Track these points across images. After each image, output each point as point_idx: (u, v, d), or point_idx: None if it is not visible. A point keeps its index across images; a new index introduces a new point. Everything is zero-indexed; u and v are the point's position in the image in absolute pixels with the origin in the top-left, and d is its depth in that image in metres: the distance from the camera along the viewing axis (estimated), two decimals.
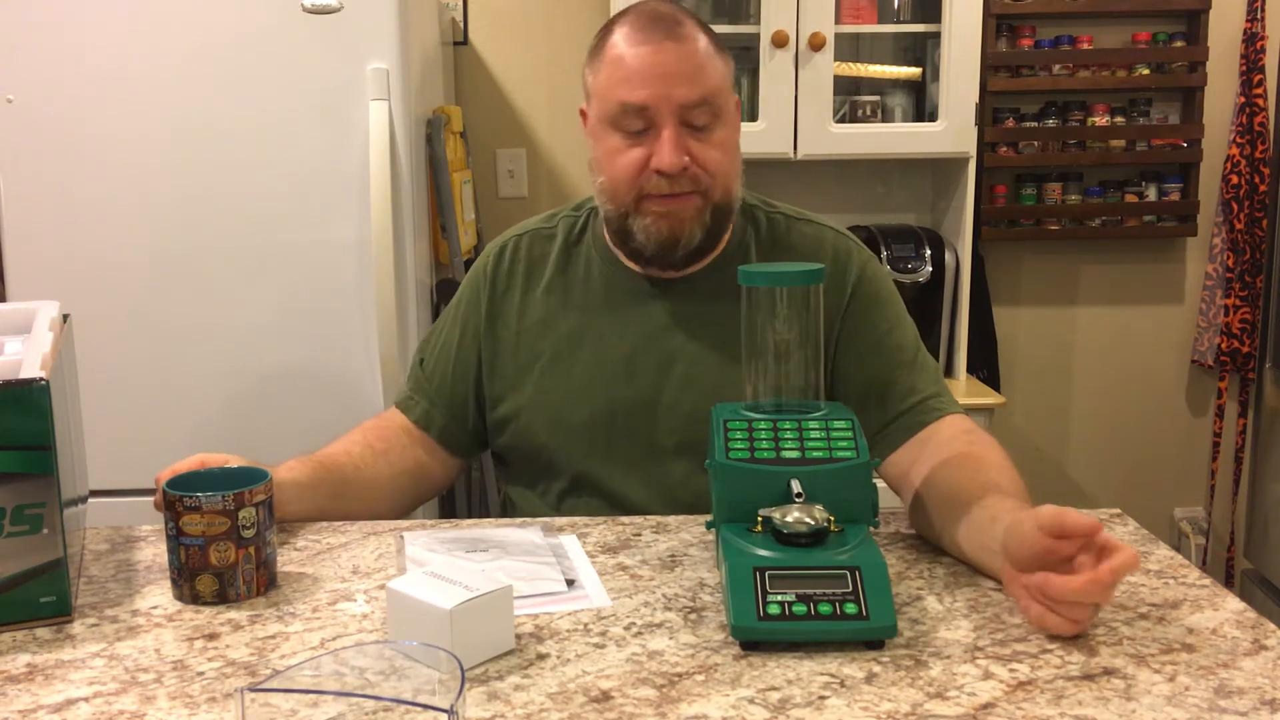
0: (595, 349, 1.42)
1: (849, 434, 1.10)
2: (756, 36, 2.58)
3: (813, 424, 1.11)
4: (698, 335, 1.40)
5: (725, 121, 1.36)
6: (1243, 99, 2.89)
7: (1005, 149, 2.88)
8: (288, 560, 1.19)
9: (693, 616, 1.04)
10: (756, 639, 0.96)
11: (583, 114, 1.42)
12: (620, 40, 1.33)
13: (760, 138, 2.60)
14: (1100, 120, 2.89)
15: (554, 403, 1.41)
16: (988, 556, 1.09)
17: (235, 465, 1.19)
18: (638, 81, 1.31)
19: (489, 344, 1.46)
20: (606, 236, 1.45)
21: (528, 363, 1.44)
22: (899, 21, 2.76)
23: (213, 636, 1.01)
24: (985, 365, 2.94)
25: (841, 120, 2.71)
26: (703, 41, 1.34)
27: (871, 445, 1.37)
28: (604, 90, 1.34)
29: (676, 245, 1.36)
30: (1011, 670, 0.93)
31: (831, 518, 1.02)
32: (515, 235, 1.51)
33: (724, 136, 1.35)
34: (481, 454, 1.55)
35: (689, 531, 1.26)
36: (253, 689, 0.80)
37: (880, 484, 1.10)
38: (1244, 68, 2.89)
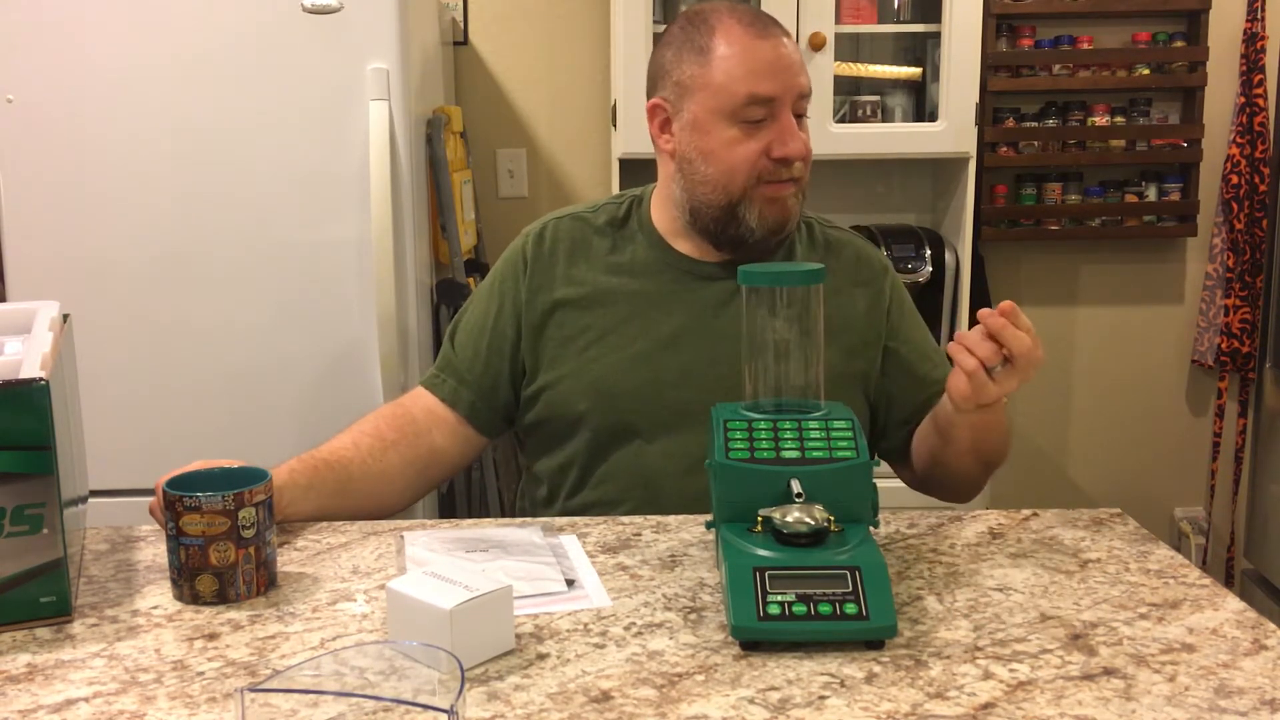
0: (644, 325, 1.45)
1: (849, 434, 1.10)
2: None
3: (813, 424, 1.11)
4: (739, 318, 1.42)
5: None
6: (1243, 99, 2.89)
7: (1005, 149, 2.88)
8: (288, 560, 1.19)
9: (693, 616, 1.03)
10: (756, 639, 0.96)
11: (660, 107, 1.43)
12: (735, 35, 1.37)
13: None
14: (1100, 120, 2.89)
15: (598, 373, 1.44)
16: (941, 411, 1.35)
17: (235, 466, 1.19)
18: (767, 73, 1.36)
19: (530, 317, 1.48)
20: (654, 220, 1.49)
21: (573, 335, 1.46)
22: (899, 21, 2.76)
23: (213, 636, 1.01)
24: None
25: (842, 120, 2.71)
26: None
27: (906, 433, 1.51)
28: (725, 83, 1.36)
29: (783, 228, 1.43)
30: (1011, 670, 0.93)
31: (831, 518, 1.02)
32: (554, 218, 1.53)
33: (808, 127, 1.44)
34: (505, 433, 1.57)
35: (689, 531, 1.26)
36: (253, 689, 0.81)
37: (880, 484, 1.10)
38: (1244, 68, 2.89)
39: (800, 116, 1.41)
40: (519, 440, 1.60)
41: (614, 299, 1.46)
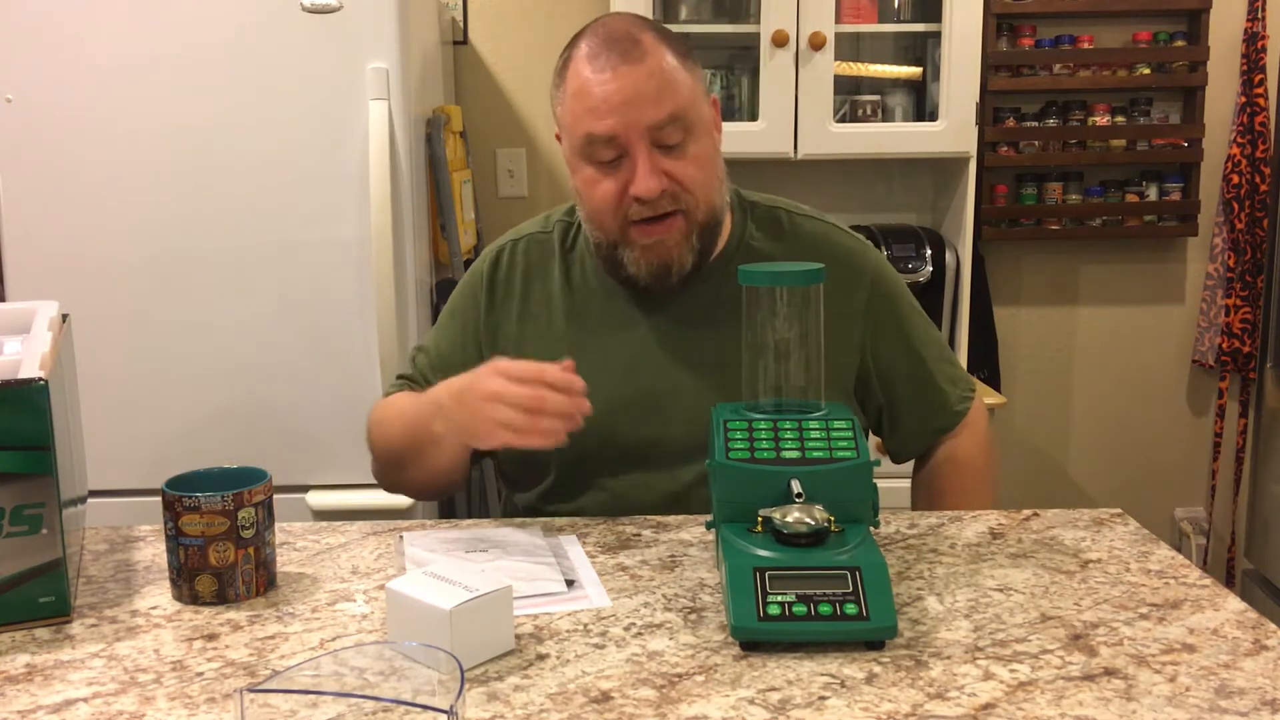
0: (598, 355, 1.39)
1: (849, 434, 1.10)
2: (756, 36, 2.57)
3: (813, 424, 1.11)
4: (700, 338, 1.39)
5: (699, 134, 1.32)
6: (1243, 99, 2.89)
7: (1006, 148, 2.88)
8: (287, 560, 1.19)
9: (693, 617, 1.03)
10: (756, 639, 0.96)
11: (559, 138, 1.39)
12: (579, 69, 1.30)
13: (760, 138, 2.60)
14: (1101, 120, 2.89)
15: None
16: None
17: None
18: (602, 111, 1.28)
19: (490, 350, 1.43)
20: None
21: None
22: (899, 21, 2.76)
23: (212, 637, 1.01)
24: (985, 365, 2.94)
25: (842, 120, 2.71)
26: (665, 56, 1.29)
27: (905, 440, 1.50)
28: (570, 123, 1.32)
29: (669, 273, 1.35)
30: (1012, 671, 0.93)
31: (831, 518, 1.02)
32: (511, 240, 1.49)
33: (699, 150, 1.32)
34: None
35: (689, 531, 1.25)
36: (252, 689, 0.80)
37: (880, 484, 1.09)
38: (1245, 67, 2.89)
39: (672, 146, 1.30)
40: (499, 472, 1.54)
41: (567, 332, 1.42)
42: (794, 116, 2.60)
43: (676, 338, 1.40)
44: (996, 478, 1.54)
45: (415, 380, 1.47)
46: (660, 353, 1.39)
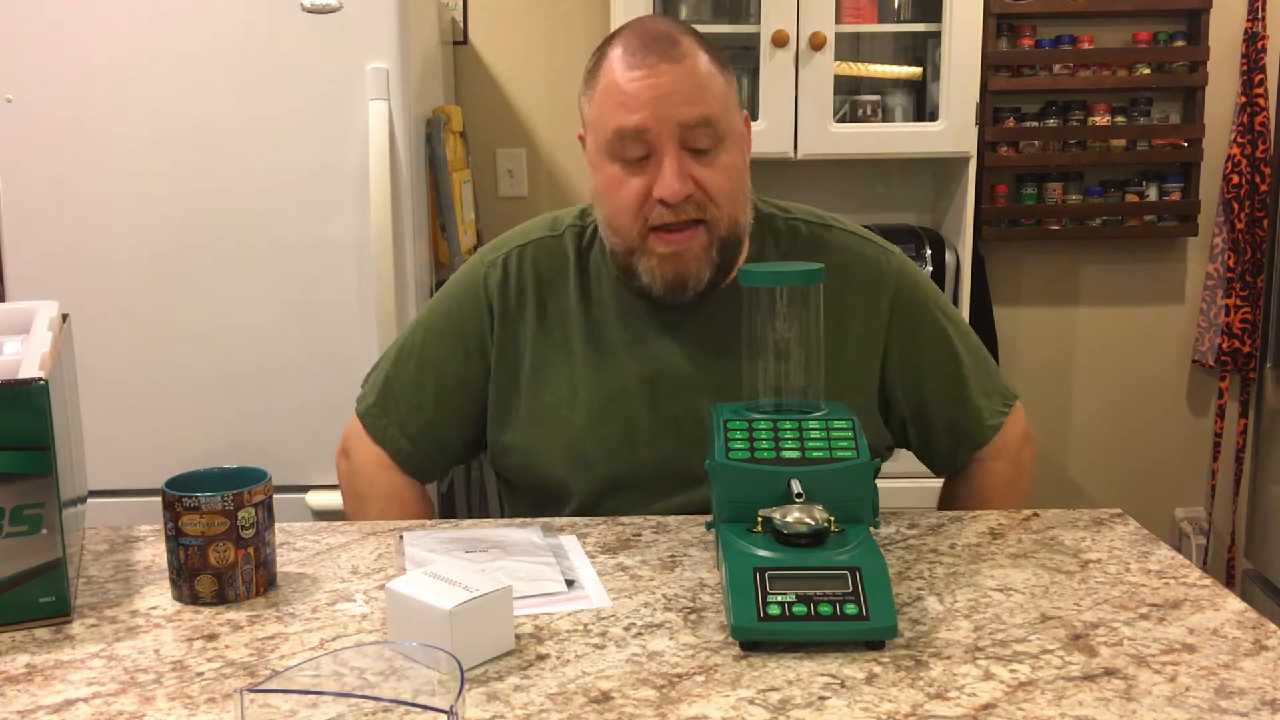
0: (617, 377, 1.36)
1: (849, 434, 1.10)
2: (756, 36, 2.57)
3: (813, 424, 1.11)
4: (719, 358, 1.35)
5: (730, 144, 1.28)
6: (1243, 98, 2.89)
7: (1006, 149, 2.88)
8: (287, 560, 1.19)
9: (693, 617, 1.03)
10: (756, 639, 0.96)
11: (581, 139, 1.36)
12: (614, 65, 1.27)
13: (760, 138, 2.59)
14: (1101, 120, 2.89)
15: (573, 432, 1.36)
16: None
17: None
18: (634, 105, 1.24)
19: (502, 370, 1.39)
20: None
21: (544, 392, 1.37)
22: (899, 21, 2.76)
23: (212, 637, 1.01)
24: None
25: (842, 120, 2.71)
26: (702, 59, 1.27)
27: (938, 457, 1.46)
28: (599, 118, 1.28)
29: (685, 286, 1.31)
30: (1012, 671, 0.93)
31: (831, 518, 1.02)
32: (517, 246, 1.41)
33: (729, 160, 1.28)
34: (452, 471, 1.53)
35: (689, 531, 1.25)
36: (252, 689, 0.80)
37: (880, 484, 1.09)
38: (1245, 67, 2.89)
39: (701, 151, 1.26)
40: (502, 500, 1.51)
41: (586, 353, 1.37)
42: (794, 116, 2.60)
43: (695, 361, 1.36)
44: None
45: (405, 436, 1.43)
46: (679, 377, 1.35)
